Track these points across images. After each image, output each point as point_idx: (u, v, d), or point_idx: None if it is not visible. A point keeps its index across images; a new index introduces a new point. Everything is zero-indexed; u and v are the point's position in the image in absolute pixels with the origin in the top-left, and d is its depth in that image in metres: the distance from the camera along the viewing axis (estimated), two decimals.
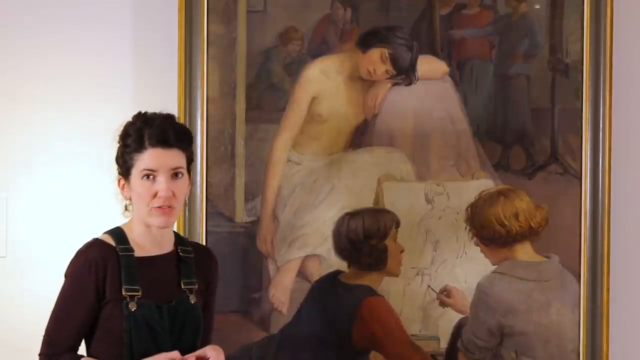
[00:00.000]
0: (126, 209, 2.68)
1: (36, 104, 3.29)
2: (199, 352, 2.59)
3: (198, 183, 3.23)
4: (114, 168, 2.65)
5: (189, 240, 2.90)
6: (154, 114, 2.63)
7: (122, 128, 2.63)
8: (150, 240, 2.64)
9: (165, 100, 3.13)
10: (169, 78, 3.23)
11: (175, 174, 2.59)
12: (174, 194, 2.57)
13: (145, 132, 2.57)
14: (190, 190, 3.14)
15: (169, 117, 2.64)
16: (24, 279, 3.27)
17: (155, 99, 3.12)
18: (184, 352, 2.57)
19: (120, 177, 2.63)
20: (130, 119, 2.63)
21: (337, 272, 3.28)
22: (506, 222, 3.25)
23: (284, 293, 3.28)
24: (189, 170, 2.65)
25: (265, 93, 3.30)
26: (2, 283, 3.29)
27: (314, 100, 3.29)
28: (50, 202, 3.28)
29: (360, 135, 3.31)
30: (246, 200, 3.29)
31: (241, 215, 3.28)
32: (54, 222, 3.27)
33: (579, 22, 3.28)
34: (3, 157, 3.30)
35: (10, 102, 3.30)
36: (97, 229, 2.71)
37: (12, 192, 3.30)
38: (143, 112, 2.63)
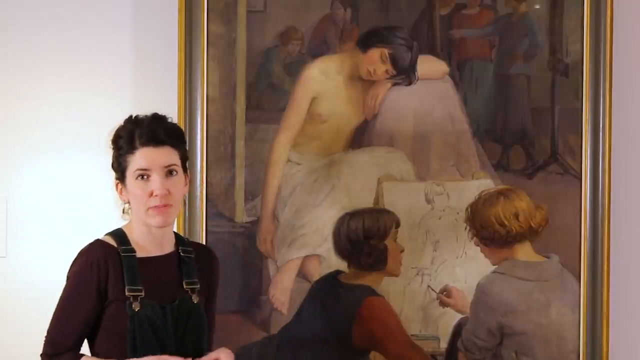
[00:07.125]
0: (124, 211, 2.69)
1: (36, 104, 3.29)
2: (212, 356, 2.59)
3: (198, 183, 3.23)
4: (112, 174, 2.66)
5: (189, 240, 2.90)
6: (144, 115, 2.64)
7: (113, 133, 2.64)
8: (151, 241, 2.65)
9: (165, 100, 3.14)
10: (169, 78, 3.22)
11: (169, 172, 2.59)
12: (169, 192, 2.58)
13: (135, 133, 2.59)
14: (190, 190, 3.15)
15: (157, 117, 2.65)
16: (24, 279, 3.27)
17: (155, 98, 3.13)
18: (188, 352, 2.58)
19: (117, 181, 2.65)
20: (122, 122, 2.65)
21: (337, 272, 3.28)
22: (506, 222, 3.24)
23: (284, 293, 3.28)
24: (185, 169, 2.66)
25: (265, 93, 3.30)
26: (2, 283, 3.29)
27: (314, 100, 3.29)
28: (50, 202, 3.28)
29: (360, 135, 3.30)
30: (246, 200, 3.28)
31: (241, 215, 3.28)
32: (54, 222, 3.27)
33: (579, 22, 3.28)
34: (3, 157, 3.30)
35: (11, 102, 3.30)
36: (97, 229, 2.71)
37: (12, 192, 3.30)
38: (134, 115, 2.65)
